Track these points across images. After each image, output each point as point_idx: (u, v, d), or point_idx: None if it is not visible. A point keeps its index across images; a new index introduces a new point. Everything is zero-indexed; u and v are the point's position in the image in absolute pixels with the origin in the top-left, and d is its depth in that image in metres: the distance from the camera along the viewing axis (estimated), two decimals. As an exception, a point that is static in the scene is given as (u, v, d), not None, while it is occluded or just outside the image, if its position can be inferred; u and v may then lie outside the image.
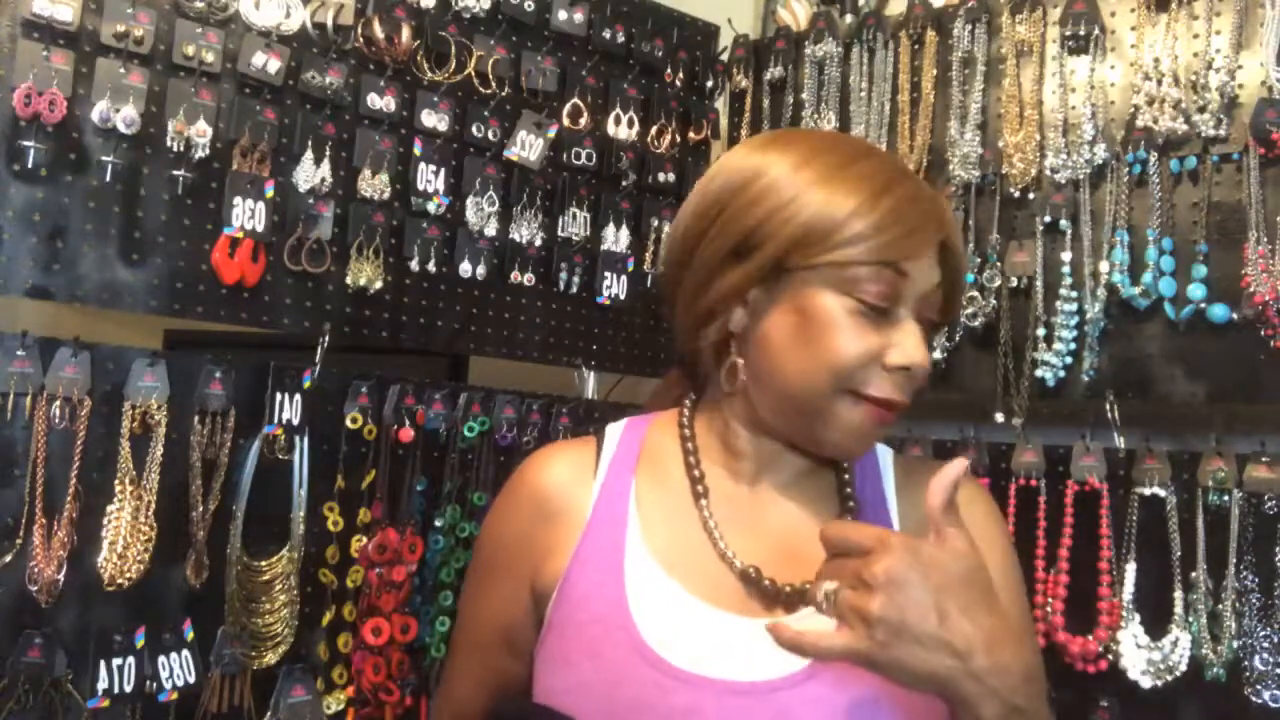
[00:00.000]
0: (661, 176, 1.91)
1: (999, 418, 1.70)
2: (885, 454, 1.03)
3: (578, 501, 0.97)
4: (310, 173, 1.52)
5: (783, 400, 0.92)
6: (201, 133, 1.41)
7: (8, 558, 1.26)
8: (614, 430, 1.03)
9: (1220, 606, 1.46)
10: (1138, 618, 1.50)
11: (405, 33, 1.62)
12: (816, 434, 0.91)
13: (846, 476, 0.99)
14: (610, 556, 0.92)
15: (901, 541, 0.75)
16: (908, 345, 0.88)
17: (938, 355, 1.76)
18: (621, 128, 1.87)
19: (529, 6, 1.76)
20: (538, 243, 1.76)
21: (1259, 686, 1.42)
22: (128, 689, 1.33)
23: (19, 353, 1.28)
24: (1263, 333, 1.48)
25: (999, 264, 1.72)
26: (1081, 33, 1.68)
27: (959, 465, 0.78)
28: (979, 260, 1.74)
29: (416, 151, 1.63)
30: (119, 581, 1.32)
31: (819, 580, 0.78)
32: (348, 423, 1.53)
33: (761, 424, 0.96)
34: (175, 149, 1.40)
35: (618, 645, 0.87)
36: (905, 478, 1.01)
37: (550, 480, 1.00)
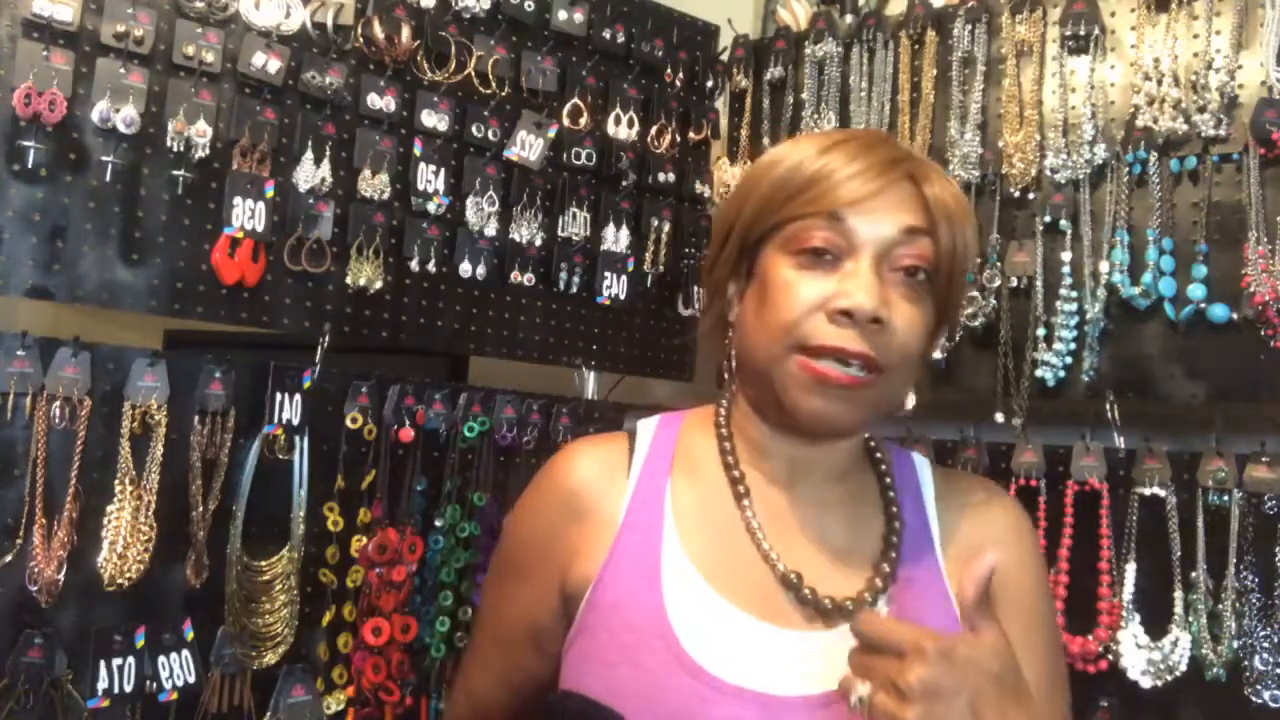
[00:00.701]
0: (661, 176, 1.91)
1: (999, 418, 1.70)
2: (923, 464, 1.01)
3: (609, 501, 0.94)
4: (310, 173, 1.52)
5: (755, 377, 0.91)
6: (201, 133, 1.41)
7: (8, 558, 1.26)
8: (646, 428, 1.00)
9: (1220, 606, 1.46)
10: (1138, 618, 1.50)
11: (405, 33, 1.62)
12: (781, 402, 0.87)
13: (889, 480, 0.96)
14: (646, 561, 0.89)
15: (938, 649, 0.72)
16: (849, 286, 0.84)
17: (938, 355, 1.76)
18: (621, 128, 1.87)
19: (529, 6, 1.76)
20: (538, 243, 1.76)
21: (1259, 686, 1.42)
22: (128, 689, 1.33)
23: (19, 353, 1.28)
24: (1263, 333, 1.48)
25: (999, 264, 1.72)
26: (1081, 33, 1.68)
27: (991, 560, 0.76)
28: (979, 260, 1.74)
29: (416, 151, 1.63)
30: (119, 581, 1.32)
31: (851, 677, 0.76)
32: (348, 423, 1.53)
33: (760, 408, 0.93)
34: (175, 149, 1.40)
35: (655, 653, 0.85)
36: (946, 489, 0.99)
37: (580, 477, 0.96)
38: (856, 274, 0.84)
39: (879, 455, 0.99)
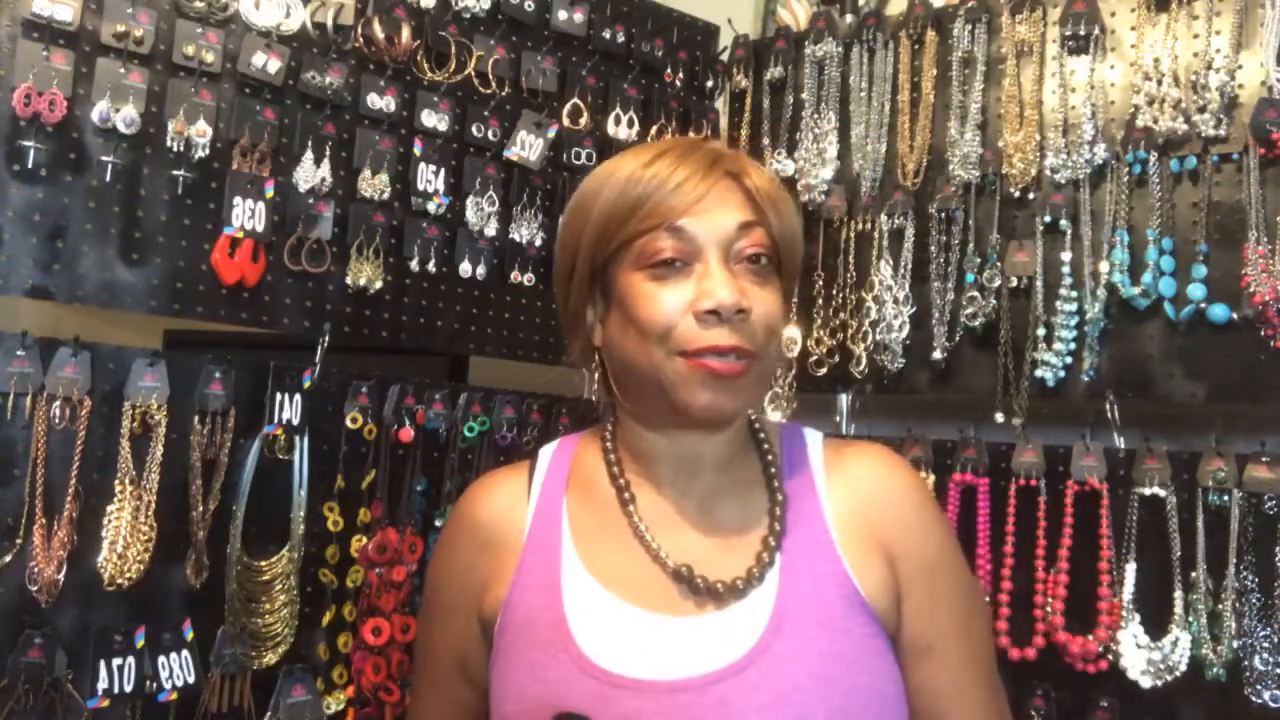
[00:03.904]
0: (661, 176, 1.91)
1: (999, 418, 1.70)
2: (814, 437, 1.04)
3: (514, 527, 1.00)
4: (310, 173, 1.52)
5: (640, 387, 0.95)
6: (201, 133, 1.41)
7: (8, 558, 1.26)
8: (546, 452, 1.06)
9: (1220, 606, 1.46)
10: (1138, 618, 1.50)
11: (405, 33, 1.62)
12: (673, 405, 0.92)
13: (770, 458, 1.00)
14: (548, 577, 0.95)
15: None
16: (708, 287, 0.90)
17: (938, 355, 1.76)
18: (621, 128, 1.87)
19: (529, 6, 1.76)
20: (538, 243, 1.76)
21: (1259, 686, 1.42)
22: (128, 689, 1.33)
23: (19, 353, 1.28)
24: (1263, 333, 1.48)
25: (999, 264, 1.72)
26: (1081, 33, 1.68)
27: None
28: (979, 260, 1.74)
29: (416, 151, 1.63)
30: (119, 581, 1.32)
31: None
32: (348, 423, 1.53)
33: (648, 420, 0.98)
34: (175, 149, 1.40)
35: (560, 664, 0.89)
36: (833, 459, 1.02)
37: (485, 511, 1.03)
38: (710, 274, 0.90)
39: (762, 436, 1.03)
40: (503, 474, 1.07)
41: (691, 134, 1.98)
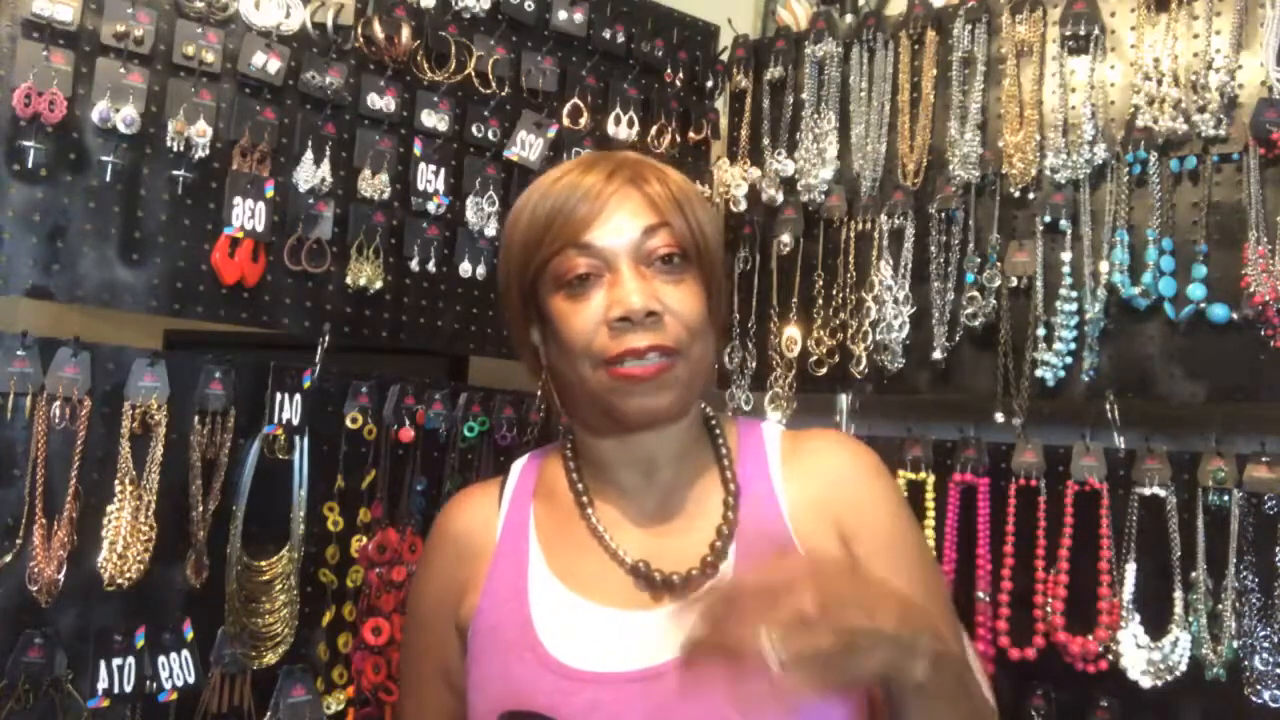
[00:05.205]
0: (661, 176, 1.91)
1: (999, 418, 1.70)
2: (773, 431, 1.06)
3: (486, 538, 1.04)
4: (310, 173, 1.52)
5: (580, 401, 0.98)
6: (201, 133, 1.41)
7: (8, 558, 1.26)
8: (517, 466, 1.11)
9: (1220, 606, 1.46)
10: (1138, 618, 1.50)
11: (405, 33, 1.62)
12: (612, 414, 0.95)
13: (724, 452, 1.02)
14: (515, 583, 0.99)
15: (806, 568, 0.77)
16: (618, 295, 0.92)
17: (938, 355, 1.76)
18: (621, 128, 1.87)
19: (529, 6, 1.76)
20: (538, 243, 1.76)
21: (1259, 686, 1.42)
22: (128, 689, 1.33)
23: (19, 353, 1.28)
24: (1263, 333, 1.48)
25: (999, 264, 1.72)
26: (1081, 33, 1.68)
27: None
28: (979, 260, 1.74)
29: (416, 151, 1.63)
30: (119, 581, 1.32)
31: (761, 632, 0.77)
32: (348, 423, 1.53)
33: (596, 430, 1.01)
34: (175, 149, 1.40)
35: (526, 664, 0.93)
36: (790, 448, 1.04)
37: (460, 524, 1.07)
38: (620, 282, 0.93)
39: (718, 431, 1.05)
40: (477, 489, 1.12)
41: (692, 134, 1.98)
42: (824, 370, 1.88)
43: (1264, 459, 1.46)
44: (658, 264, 0.94)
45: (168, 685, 1.36)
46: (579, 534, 1.00)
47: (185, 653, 1.38)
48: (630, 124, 1.88)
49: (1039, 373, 1.66)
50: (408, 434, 1.58)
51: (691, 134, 1.98)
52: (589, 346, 0.93)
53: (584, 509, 1.01)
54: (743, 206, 1.98)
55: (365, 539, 1.53)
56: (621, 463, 1.01)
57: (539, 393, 1.05)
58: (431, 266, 1.64)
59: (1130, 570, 1.52)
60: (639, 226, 0.94)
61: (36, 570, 1.27)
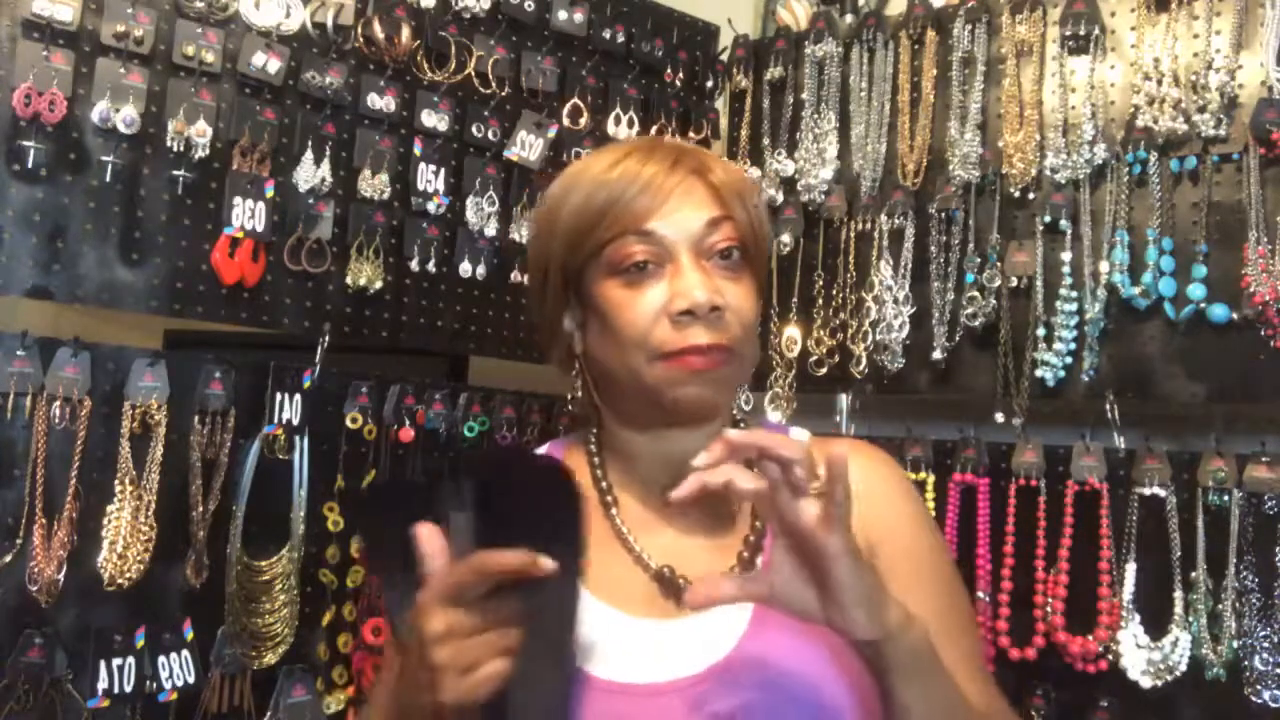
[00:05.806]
0: (661, 176, 1.91)
1: (999, 418, 1.70)
2: (800, 435, 1.03)
3: None
4: (310, 173, 1.52)
5: (623, 391, 0.95)
6: (201, 133, 1.41)
7: (8, 558, 1.26)
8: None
9: (1220, 606, 1.46)
10: (1138, 618, 1.50)
11: (405, 33, 1.62)
12: (659, 404, 0.92)
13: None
14: None
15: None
16: (682, 287, 0.89)
17: (938, 355, 1.76)
18: (621, 128, 1.87)
19: (529, 6, 1.76)
20: (538, 243, 1.76)
21: (1259, 686, 1.42)
22: (128, 689, 1.33)
23: (19, 353, 1.28)
24: (1263, 333, 1.48)
25: (999, 264, 1.72)
26: (1081, 33, 1.68)
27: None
28: (979, 260, 1.74)
29: (416, 151, 1.63)
30: (119, 581, 1.32)
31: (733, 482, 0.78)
32: (348, 423, 1.53)
33: (631, 422, 0.98)
34: (175, 149, 1.40)
35: None
36: (817, 455, 1.02)
37: None
38: (683, 274, 0.90)
39: None
40: None
41: (691, 134, 1.98)
42: (824, 370, 1.88)
43: (1264, 459, 1.46)
44: (716, 258, 0.92)
45: (168, 685, 1.36)
46: (600, 533, 0.95)
47: (185, 653, 1.38)
48: (630, 124, 1.88)
49: (1039, 373, 1.66)
50: (408, 434, 1.58)
51: (691, 134, 1.98)
52: (645, 338, 0.90)
53: (608, 509, 0.97)
54: (743, 206, 1.98)
55: (365, 539, 1.53)
56: (651, 458, 0.98)
57: (575, 381, 1.01)
58: (431, 266, 1.64)
59: (1130, 570, 1.52)
60: (702, 218, 0.92)
61: (36, 570, 1.27)
